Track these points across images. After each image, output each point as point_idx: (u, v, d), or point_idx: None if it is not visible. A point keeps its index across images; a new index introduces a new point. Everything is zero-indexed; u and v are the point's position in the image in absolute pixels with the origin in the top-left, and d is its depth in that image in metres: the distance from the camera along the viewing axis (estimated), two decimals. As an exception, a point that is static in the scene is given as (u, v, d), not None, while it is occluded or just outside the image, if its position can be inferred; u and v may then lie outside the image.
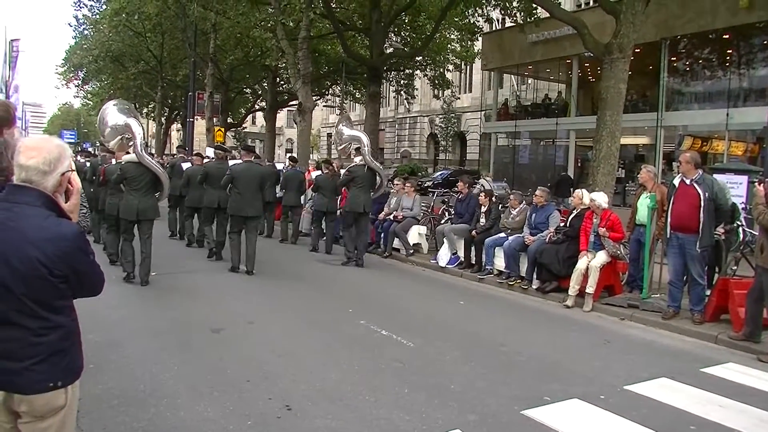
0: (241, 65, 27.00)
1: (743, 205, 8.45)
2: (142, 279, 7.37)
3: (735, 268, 7.11)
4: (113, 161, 8.63)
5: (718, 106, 17.26)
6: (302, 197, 12.23)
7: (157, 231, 8.01)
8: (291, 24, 19.13)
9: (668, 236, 6.40)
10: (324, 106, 36.91)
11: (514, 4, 18.03)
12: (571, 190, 13.49)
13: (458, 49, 24.45)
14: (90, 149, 26.88)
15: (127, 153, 7.67)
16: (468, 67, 33.53)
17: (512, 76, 27.16)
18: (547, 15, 14.72)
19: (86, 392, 2.21)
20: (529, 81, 27.49)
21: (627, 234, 7.50)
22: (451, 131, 35.74)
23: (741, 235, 7.48)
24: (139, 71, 30.70)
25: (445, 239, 9.56)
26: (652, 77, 18.60)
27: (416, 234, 10.58)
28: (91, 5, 30.52)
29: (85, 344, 2.16)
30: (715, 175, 7.17)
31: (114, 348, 4.91)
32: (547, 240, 7.71)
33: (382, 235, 10.62)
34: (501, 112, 25.96)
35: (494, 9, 19.79)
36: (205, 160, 11.05)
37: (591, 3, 24.58)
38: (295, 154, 17.73)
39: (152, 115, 39.53)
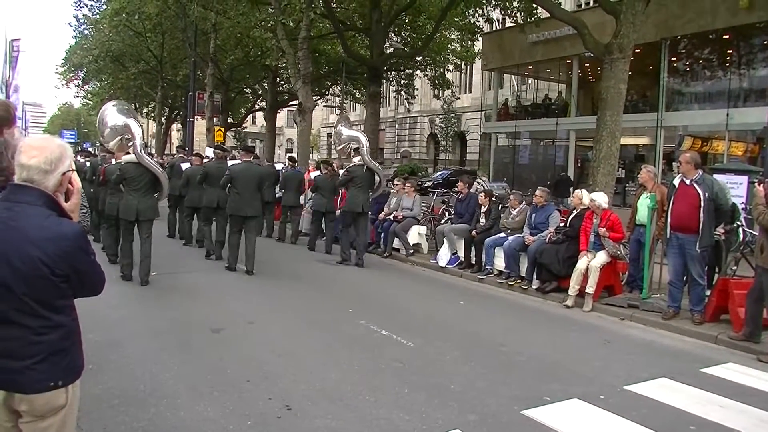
0: (242, 65, 27.01)
1: (743, 206, 8.45)
2: (142, 279, 7.37)
3: (735, 268, 7.12)
4: (113, 161, 8.65)
5: (718, 107, 17.26)
6: (302, 197, 12.25)
7: (156, 231, 8.02)
8: (291, 24, 19.13)
9: (668, 236, 6.40)
10: (324, 106, 36.93)
11: (515, 4, 18.02)
12: (571, 190, 13.51)
13: (458, 49, 24.44)
14: (90, 149, 26.88)
15: (127, 153, 7.67)
16: (468, 67, 33.53)
17: (512, 76, 27.16)
18: (548, 15, 14.71)
19: (86, 392, 2.21)
20: (530, 81, 27.49)
21: (627, 234, 7.50)
22: (451, 131, 35.74)
23: (741, 236, 7.48)
24: (140, 71, 30.70)
25: (445, 239, 9.56)
26: (652, 77, 18.60)
27: (416, 234, 10.59)
28: (91, 5, 30.58)
29: (85, 344, 2.17)
30: (715, 176, 7.17)
31: (114, 348, 4.92)
32: (547, 240, 7.72)
33: (382, 235, 10.63)
34: (501, 112, 25.95)
35: (494, 9, 19.78)
36: (205, 160, 11.06)
37: (591, 3, 24.58)
38: (295, 154, 17.76)
39: (152, 115, 39.54)
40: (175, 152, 20.86)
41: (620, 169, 16.75)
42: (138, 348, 4.98)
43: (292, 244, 11.54)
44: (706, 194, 6.07)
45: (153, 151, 33.78)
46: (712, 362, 5.19)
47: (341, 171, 10.52)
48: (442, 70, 25.46)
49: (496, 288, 8.25)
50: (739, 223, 7.40)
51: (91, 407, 3.63)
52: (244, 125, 43.68)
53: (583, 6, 25.83)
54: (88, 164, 10.55)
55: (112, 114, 7.62)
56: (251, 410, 3.82)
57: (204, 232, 9.83)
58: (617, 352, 5.51)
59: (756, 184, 6.12)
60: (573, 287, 7.11)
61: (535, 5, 15.99)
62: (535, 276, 7.85)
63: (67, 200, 2.11)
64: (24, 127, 42.65)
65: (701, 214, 6.07)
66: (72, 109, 73.27)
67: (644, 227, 7.17)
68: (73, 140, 51.97)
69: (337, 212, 10.55)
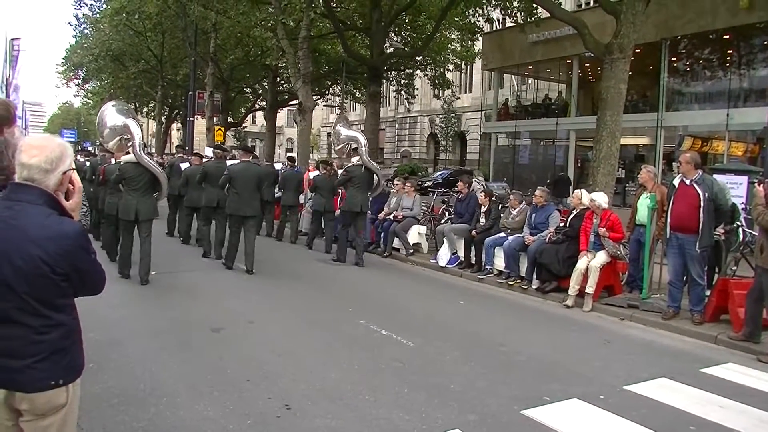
0: (242, 65, 27.01)
1: (743, 206, 8.45)
2: (141, 278, 7.38)
3: (735, 268, 7.12)
4: (112, 161, 8.66)
5: (718, 107, 17.26)
6: (302, 197, 12.25)
7: (155, 229, 8.03)
8: (291, 23, 19.14)
9: (668, 236, 6.40)
10: (324, 105, 36.93)
11: (515, 4, 18.03)
12: (570, 189, 13.51)
13: (458, 48, 24.44)
14: (90, 148, 26.92)
15: (127, 153, 7.68)
16: (468, 67, 33.52)
17: (512, 76, 27.16)
18: (548, 15, 14.72)
19: (86, 391, 2.21)
20: (530, 81, 27.49)
21: (627, 234, 7.50)
22: (452, 131, 35.73)
23: (741, 236, 7.48)
24: (140, 70, 30.71)
25: (445, 239, 9.56)
26: (653, 77, 18.60)
27: (416, 234, 10.59)
28: (91, 4, 30.58)
29: (85, 343, 2.17)
30: (715, 176, 7.17)
31: (114, 347, 4.92)
32: (546, 240, 7.72)
33: (382, 234, 10.63)
34: (501, 112, 25.96)
35: (495, 9, 19.79)
36: (204, 160, 11.08)
37: (591, 3, 24.57)
38: (295, 154, 17.74)
39: (152, 114, 39.55)
40: (174, 152, 20.88)
41: (620, 169, 16.76)
42: (138, 347, 4.99)
43: (291, 244, 11.54)
44: (706, 194, 6.08)
45: (153, 151, 33.81)
46: (711, 362, 5.20)
47: (340, 171, 10.54)
48: (442, 69, 25.47)
49: (496, 288, 8.25)
50: (739, 223, 7.40)
51: (91, 406, 3.63)
52: (244, 125, 43.69)
53: (583, 6, 25.82)
54: (87, 164, 10.57)
55: (111, 114, 7.63)
56: (251, 410, 3.82)
57: (203, 232, 9.83)
58: (617, 352, 5.51)
59: (756, 184, 6.12)
60: (573, 287, 7.11)
61: (535, 5, 16.00)
62: (534, 276, 7.85)
63: (68, 199, 2.11)
64: (24, 127, 42.64)
65: (701, 215, 6.07)
66: (72, 108, 73.29)
67: (644, 227, 7.17)
68: (73, 139, 51.95)
69: (337, 212, 10.56)
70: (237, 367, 4.57)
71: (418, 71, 26.00)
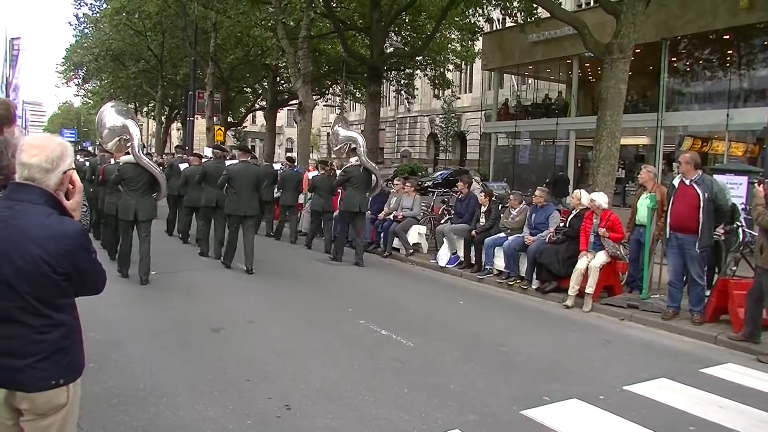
0: (242, 64, 27.01)
1: (743, 206, 8.45)
2: (141, 277, 7.40)
3: (735, 268, 7.12)
4: (112, 161, 8.67)
5: (718, 107, 17.26)
6: (302, 197, 12.26)
7: (155, 229, 8.05)
8: (291, 23, 19.13)
9: (668, 236, 6.40)
10: (324, 105, 36.93)
11: (515, 4, 18.02)
12: (570, 189, 13.50)
13: (458, 48, 24.44)
14: (90, 148, 26.93)
15: (126, 153, 7.69)
16: (468, 67, 33.52)
17: (512, 76, 27.16)
18: (548, 15, 14.72)
19: (86, 391, 2.21)
20: (530, 81, 27.48)
21: (627, 234, 7.50)
22: (452, 131, 35.72)
23: (741, 236, 7.48)
24: (140, 70, 30.70)
25: (444, 239, 9.56)
26: (653, 78, 18.60)
27: (416, 234, 10.59)
28: (91, 4, 30.60)
29: (85, 343, 2.17)
30: (715, 176, 7.17)
31: (114, 347, 4.92)
32: (546, 240, 7.72)
33: (382, 234, 10.63)
34: (501, 112, 25.95)
35: (495, 9, 19.78)
36: (204, 160, 11.10)
37: (591, 3, 24.57)
38: (295, 154, 17.72)
39: (152, 114, 39.53)
40: (174, 152, 20.87)
41: (620, 169, 16.75)
42: (138, 347, 4.99)
43: (291, 244, 11.54)
44: (706, 194, 6.08)
45: (153, 150, 33.81)
46: (711, 362, 5.20)
47: (338, 171, 10.56)
48: (442, 69, 25.46)
49: (496, 288, 8.25)
50: (738, 223, 7.40)
51: (91, 406, 3.63)
52: (244, 124, 43.69)
53: (583, 6, 25.82)
54: (87, 164, 10.59)
55: (110, 115, 7.66)
56: (251, 410, 3.82)
57: (203, 232, 9.85)
58: (617, 353, 5.51)
59: (756, 184, 6.12)
60: (573, 287, 7.11)
61: (535, 5, 15.99)
62: (534, 276, 7.85)
63: (68, 199, 2.11)
64: (24, 126, 42.66)
65: (701, 215, 6.07)
66: (72, 107, 73.30)
67: (644, 227, 7.17)
68: (73, 139, 51.92)
69: (335, 212, 10.58)
70: (237, 367, 4.58)
71: (418, 71, 26.00)
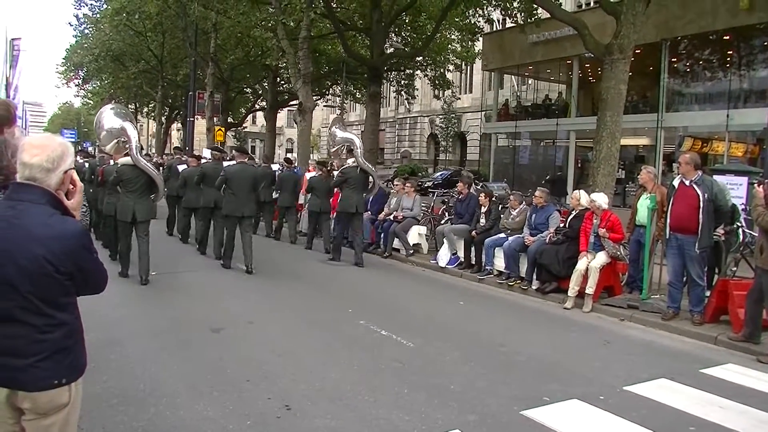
0: (242, 65, 27.01)
1: (743, 207, 8.45)
2: (141, 277, 7.42)
3: (735, 269, 7.11)
4: (111, 162, 8.70)
5: (718, 108, 17.26)
6: (302, 197, 12.26)
7: (155, 229, 8.06)
8: (291, 24, 19.14)
9: (667, 237, 6.40)
10: (324, 106, 36.94)
11: (515, 4, 18.02)
12: (567, 188, 13.50)
13: (459, 49, 24.44)
14: (90, 149, 26.94)
15: (125, 155, 7.72)
16: (468, 67, 33.53)
17: (513, 76, 27.16)
18: (548, 15, 14.73)
19: (86, 391, 2.21)
20: (530, 81, 27.49)
21: (627, 235, 7.50)
22: (452, 131, 35.75)
23: (741, 237, 7.47)
24: (140, 70, 30.71)
25: (445, 239, 9.56)
26: (653, 78, 18.60)
27: (416, 234, 10.59)
28: (91, 4, 30.64)
29: (85, 342, 2.16)
30: (715, 177, 7.18)
31: (114, 347, 4.92)
32: (546, 240, 7.72)
33: (382, 235, 10.63)
34: (501, 113, 25.96)
35: (495, 9, 19.78)
36: (203, 161, 11.12)
37: (591, 3, 24.59)
38: (295, 154, 17.71)
39: (152, 114, 39.54)
40: (173, 152, 20.88)
41: (620, 169, 16.75)
42: (138, 347, 4.99)
43: (291, 244, 11.54)
44: (706, 195, 6.08)
45: (153, 151, 33.83)
46: (711, 363, 5.20)
47: (335, 172, 10.59)
48: (442, 70, 25.46)
49: (496, 288, 8.25)
50: (738, 224, 7.39)
51: (91, 406, 3.62)
52: (244, 125, 43.70)
53: (583, 6, 25.83)
54: (86, 165, 10.62)
55: (108, 117, 7.72)
56: (251, 410, 3.82)
57: (202, 232, 9.88)
58: (617, 353, 5.51)
59: (756, 185, 6.12)
60: (573, 288, 7.11)
61: (535, 6, 15.99)
62: (534, 276, 7.85)
63: (68, 198, 2.11)
64: (24, 127, 42.66)
65: (700, 215, 6.07)
66: (72, 108, 73.31)
67: (644, 228, 7.17)
68: (73, 139, 51.92)
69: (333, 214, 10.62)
70: (237, 367, 4.58)
71: (418, 71, 26.00)
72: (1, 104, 2.90)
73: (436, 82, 25.59)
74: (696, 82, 18.72)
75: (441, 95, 28.75)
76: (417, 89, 28.77)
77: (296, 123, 22.91)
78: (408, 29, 23.05)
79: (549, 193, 8.85)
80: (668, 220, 6.36)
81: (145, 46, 29.21)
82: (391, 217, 10.50)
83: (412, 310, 6.88)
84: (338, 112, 29.75)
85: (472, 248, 8.99)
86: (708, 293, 6.45)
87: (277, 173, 12.43)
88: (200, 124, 26.75)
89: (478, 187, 11.88)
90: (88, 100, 45.83)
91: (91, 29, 31.65)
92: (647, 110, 19.03)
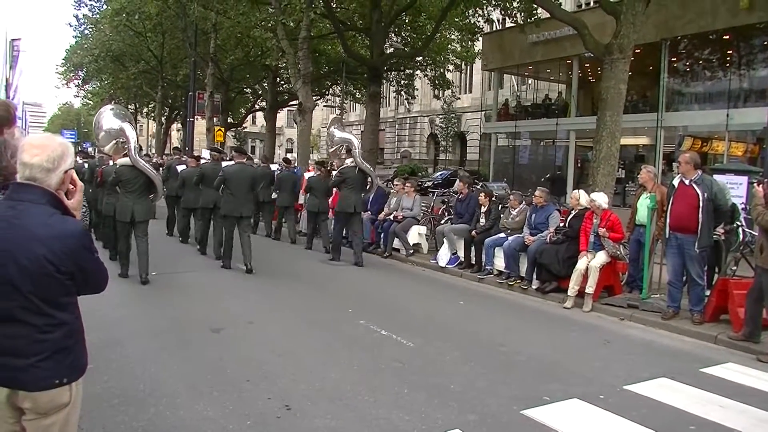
0: (242, 65, 27.01)
1: (743, 206, 8.45)
2: (141, 276, 7.45)
3: (735, 268, 7.12)
4: (110, 163, 8.72)
5: (718, 107, 17.26)
6: (303, 197, 12.26)
7: (155, 229, 8.07)
8: (291, 24, 19.13)
9: (667, 236, 6.40)
10: (324, 106, 36.94)
11: (515, 4, 18.02)
12: (567, 188, 13.49)
13: (458, 49, 24.44)
14: (90, 149, 26.91)
15: (124, 156, 7.74)
16: (468, 67, 33.53)
17: (512, 76, 27.16)
18: (548, 15, 14.72)
19: (86, 391, 2.21)
20: (530, 81, 27.49)
21: (627, 234, 7.50)
22: (452, 131, 35.74)
23: (741, 236, 7.48)
24: (140, 71, 30.72)
25: (445, 239, 9.56)
26: (653, 78, 18.59)
27: (416, 234, 10.59)
28: (91, 5, 30.65)
29: (86, 343, 2.17)
30: (715, 176, 7.17)
31: (114, 347, 4.92)
32: (546, 240, 7.72)
33: (382, 235, 10.63)
34: (501, 113, 25.95)
35: (494, 9, 19.78)
36: (202, 161, 11.13)
37: (591, 3, 24.59)
38: (295, 154, 17.69)
39: (152, 114, 39.55)
40: (172, 152, 20.86)
41: (620, 169, 16.75)
42: (138, 347, 4.99)
43: (291, 244, 11.54)
44: (705, 194, 6.08)
45: (153, 151, 33.81)
46: (711, 362, 5.20)
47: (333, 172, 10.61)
48: (442, 70, 25.47)
49: (496, 288, 8.25)
50: (738, 223, 7.40)
51: (91, 406, 3.62)
52: (244, 125, 43.70)
53: (583, 6, 25.84)
54: (86, 165, 10.63)
55: (107, 118, 7.75)
56: (251, 410, 3.82)
57: (202, 232, 9.89)
58: (617, 352, 5.51)
59: (755, 184, 6.12)
60: (573, 287, 7.11)
61: (535, 5, 15.99)
62: (534, 276, 7.85)
63: (69, 198, 2.12)
64: (24, 127, 42.66)
65: (700, 215, 6.07)
66: (72, 109, 73.31)
67: (644, 227, 7.17)
68: (73, 140, 51.93)
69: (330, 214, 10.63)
70: (237, 367, 4.58)
71: (418, 71, 26.00)
72: (1, 105, 2.90)
73: (436, 82, 25.59)
74: (696, 81, 18.72)
75: (441, 95, 28.74)
76: (417, 89, 28.78)
77: (296, 123, 22.90)
78: (408, 29, 23.05)
79: (549, 193, 8.85)
80: (668, 220, 6.36)
81: (144, 47, 29.21)
82: (391, 217, 10.50)
83: (412, 310, 6.88)
84: (338, 112, 29.75)
85: (472, 248, 8.99)
86: (708, 292, 6.46)
87: (275, 173, 12.44)
88: (200, 125, 26.75)
89: (478, 187, 11.89)
90: (87, 101, 45.83)
91: (90, 30, 31.66)
92: (647, 110, 19.02)
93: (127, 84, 32.25)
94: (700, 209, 6.06)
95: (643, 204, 7.23)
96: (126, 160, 7.54)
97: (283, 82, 29.21)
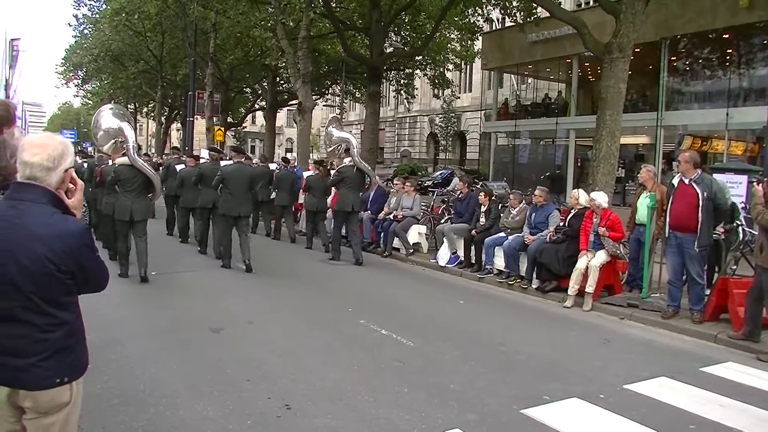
0: (241, 65, 27.01)
1: (743, 205, 8.45)
2: (140, 272, 7.46)
3: (735, 267, 7.12)
4: (110, 162, 8.73)
5: (717, 106, 17.26)
6: (302, 197, 12.25)
7: (155, 229, 8.07)
8: (291, 23, 19.12)
9: (667, 236, 6.40)
10: (324, 105, 36.93)
11: (514, 3, 18.02)
12: (569, 187, 13.49)
13: (458, 48, 24.43)
14: (89, 148, 26.91)
15: (123, 155, 7.74)
16: (468, 66, 33.49)
17: (512, 75, 27.15)
18: (547, 14, 14.71)
19: (86, 391, 2.21)
20: (529, 80, 27.49)
21: (627, 233, 7.50)
22: (451, 131, 35.72)
23: (741, 235, 7.48)
24: (139, 71, 30.71)
25: (444, 239, 9.56)
26: (652, 77, 18.59)
27: (416, 233, 10.59)
28: (90, 5, 30.63)
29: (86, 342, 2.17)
30: (714, 175, 7.18)
31: (114, 347, 4.92)
32: (546, 239, 7.72)
33: (382, 234, 10.63)
34: (501, 112, 25.96)
35: (494, 9, 19.78)
36: (201, 161, 11.14)
37: (591, 2, 24.57)
38: (295, 154, 17.67)
39: (152, 114, 39.54)
40: (171, 152, 20.85)
41: (620, 168, 16.76)
42: (138, 347, 4.99)
43: (291, 243, 11.54)
44: (705, 194, 6.08)
45: (153, 150, 33.80)
46: (711, 361, 5.20)
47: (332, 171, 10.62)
48: (441, 69, 25.44)
49: (496, 287, 8.25)
50: (738, 222, 7.40)
51: (91, 406, 3.62)
52: (243, 125, 43.69)
53: (582, 5, 25.82)
54: (85, 165, 10.65)
55: (106, 117, 7.75)
56: (251, 410, 3.82)
57: (202, 231, 9.90)
58: (617, 352, 5.51)
59: (755, 183, 6.13)
60: (573, 287, 7.11)
61: (534, 5, 16.00)
62: (534, 275, 7.85)
63: (69, 197, 2.12)
64: (24, 127, 42.63)
65: (700, 214, 6.07)
66: (72, 108, 73.28)
67: (644, 226, 7.17)
68: (72, 140, 51.90)
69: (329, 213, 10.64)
70: (237, 367, 4.58)
71: (417, 71, 25.99)
72: (1, 105, 2.90)
73: (436, 81, 25.57)
74: (695, 80, 18.72)
75: (440, 94, 28.66)
76: (416, 88, 28.77)
77: (296, 123, 22.91)
78: (407, 28, 23.04)
79: (549, 192, 8.85)
80: (668, 219, 6.37)
81: (144, 47, 29.20)
82: (391, 216, 10.50)
83: (412, 310, 6.88)
84: (338, 111, 29.72)
85: (472, 247, 8.99)
86: (708, 292, 6.46)
87: (274, 172, 12.45)
88: (200, 124, 26.75)
89: (478, 186, 11.89)
90: (87, 101, 45.80)
91: (90, 29, 31.65)
92: (647, 109, 19.03)
93: (127, 84, 32.24)
94: (700, 208, 6.06)
95: (643, 203, 7.23)
96: (125, 160, 7.55)
97: (282, 82, 29.21)
